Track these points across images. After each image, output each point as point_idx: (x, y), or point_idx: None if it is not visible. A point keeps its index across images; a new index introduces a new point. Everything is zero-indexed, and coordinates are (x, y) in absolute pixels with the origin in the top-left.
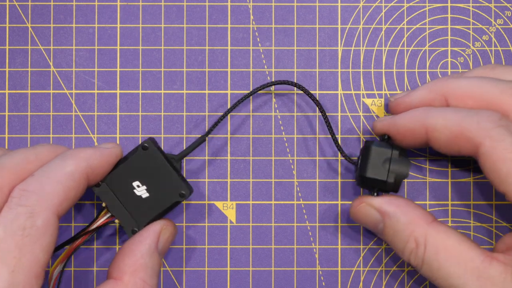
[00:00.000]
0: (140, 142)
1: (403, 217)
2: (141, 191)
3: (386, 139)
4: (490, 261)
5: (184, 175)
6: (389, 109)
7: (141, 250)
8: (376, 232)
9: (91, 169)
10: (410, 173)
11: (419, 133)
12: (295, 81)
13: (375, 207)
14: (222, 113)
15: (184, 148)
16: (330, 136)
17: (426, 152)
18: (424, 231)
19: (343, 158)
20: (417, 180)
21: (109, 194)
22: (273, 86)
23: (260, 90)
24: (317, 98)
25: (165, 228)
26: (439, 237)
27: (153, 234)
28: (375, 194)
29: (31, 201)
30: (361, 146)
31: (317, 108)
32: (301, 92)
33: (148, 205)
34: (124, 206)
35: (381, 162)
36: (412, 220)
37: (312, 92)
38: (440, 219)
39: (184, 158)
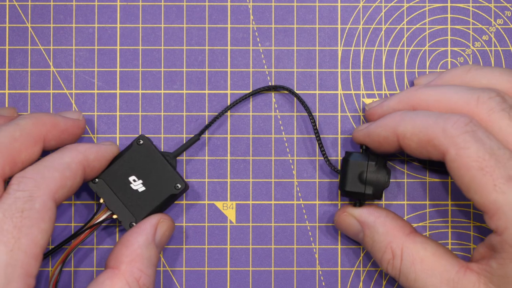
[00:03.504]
0: None
1: (381, 227)
2: (137, 185)
3: (364, 149)
4: (464, 271)
5: (184, 175)
6: (365, 117)
7: (138, 241)
8: (357, 241)
9: (87, 162)
10: (410, 173)
11: (392, 141)
12: (292, 87)
13: (356, 217)
14: (222, 113)
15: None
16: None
17: None
18: (401, 242)
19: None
20: (417, 180)
21: (106, 190)
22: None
23: (258, 92)
24: (317, 99)
25: (162, 222)
26: (415, 248)
27: (150, 226)
28: (358, 204)
29: (29, 186)
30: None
31: (317, 108)
32: (301, 92)
33: (145, 198)
34: (121, 201)
35: (358, 174)
36: (389, 231)
37: (312, 92)
38: (439, 219)
39: (184, 158)
